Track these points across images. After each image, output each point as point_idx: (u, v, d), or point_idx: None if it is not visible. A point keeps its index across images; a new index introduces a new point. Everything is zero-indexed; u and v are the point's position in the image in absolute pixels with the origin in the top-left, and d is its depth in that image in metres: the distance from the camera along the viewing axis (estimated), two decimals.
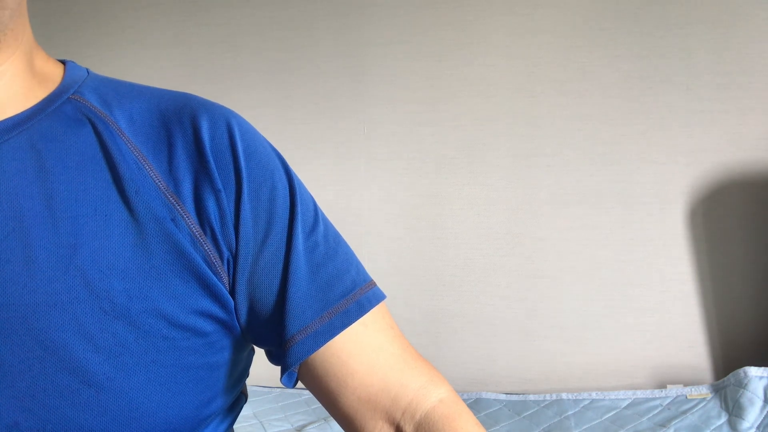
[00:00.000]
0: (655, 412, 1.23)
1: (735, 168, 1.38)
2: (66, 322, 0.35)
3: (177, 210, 0.39)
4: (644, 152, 1.43)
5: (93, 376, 0.35)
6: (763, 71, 1.36)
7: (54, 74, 0.43)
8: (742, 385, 1.18)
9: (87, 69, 0.46)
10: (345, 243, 0.46)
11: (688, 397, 1.25)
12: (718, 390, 1.24)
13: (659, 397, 1.27)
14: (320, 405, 0.46)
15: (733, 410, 1.16)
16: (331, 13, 1.59)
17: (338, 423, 0.44)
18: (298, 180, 0.45)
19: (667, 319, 1.42)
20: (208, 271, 0.39)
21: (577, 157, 1.46)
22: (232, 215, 0.40)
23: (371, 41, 1.57)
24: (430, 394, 0.43)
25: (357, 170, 1.59)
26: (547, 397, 1.34)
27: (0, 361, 0.34)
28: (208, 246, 0.40)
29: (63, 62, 0.45)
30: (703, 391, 1.26)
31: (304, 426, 1.26)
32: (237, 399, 0.47)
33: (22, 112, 0.39)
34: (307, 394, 1.44)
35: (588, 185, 1.46)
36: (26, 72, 0.41)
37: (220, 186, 0.40)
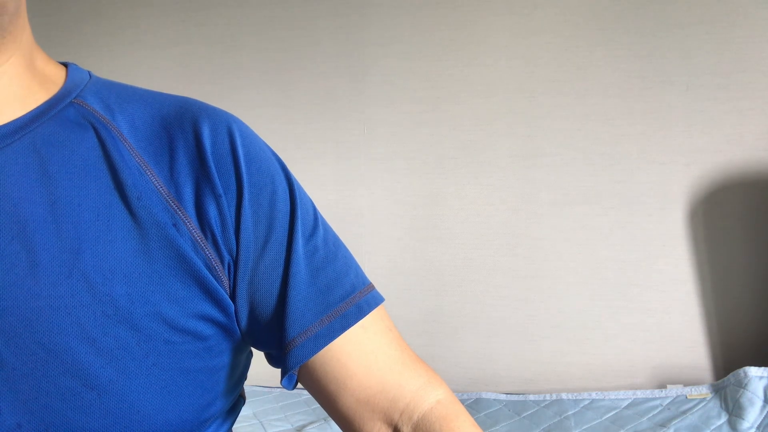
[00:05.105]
0: (655, 412, 1.23)
1: (735, 168, 1.38)
2: (69, 326, 0.36)
3: (178, 215, 0.39)
4: (644, 152, 1.43)
5: (95, 379, 0.36)
6: (763, 71, 1.36)
7: (55, 76, 0.43)
8: (742, 385, 1.18)
9: (89, 72, 0.46)
10: (344, 246, 0.47)
11: (688, 397, 1.25)
12: (718, 390, 1.24)
13: (659, 397, 1.28)
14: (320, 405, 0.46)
15: (733, 410, 1.16)
16: (331, 13, 1.59)
17: (337, 424, 0.45)
18: (298, 184, 0.45)
19: (667, 319, 1.42)
20: (209, 275, 0.40)
21: (577, 157, 1.46)
22: (233, 220, 0.41)
23: (371, 41, 1.57)
24: (428, 395, 0.43)
25: (357, 170, 1.59)
26: (547, 397, 1.34)
27: (3, 364, 0.35)
28: (209, 251, 0.40)
29: (65, 64, 0.46)
30: (703, 391, 1.26)
31: (304, 426, 1.27)
32: (236, 401, 0.48)
33: (24, 115, 0.39)
34: (307, 394, 1.44)
35: (588, 185, 1.46)
36: (25, 73, 0.41)
37: (221, 191, 0.40)
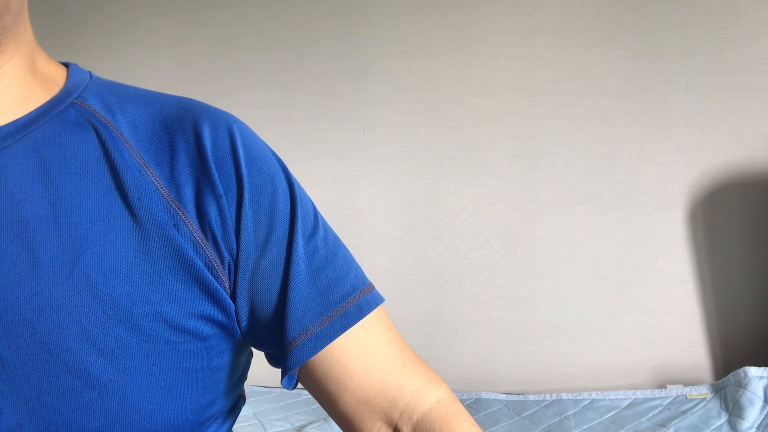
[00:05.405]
0: (655, 412, 1.23)
1: (735, 168, 1.39)
2: (70, 326, 0.36)
3: (179, 215, 0.40)
4: (644, 152, 1.43)
5: (96, 378, 0.36)
6: (763, 71, 1.36)
7: (56, 77, 0.43)
8: (742, 385, 1.18)
9: (90, 72, 0.46)
10: (344, 247, 0.47)
11: (688, 397, 1.25)
12: (718, 390, 1.24)
13: (659, 397, 1.28)
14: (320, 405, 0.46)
15: (733, 410, 1.17)
16: (331, 13, 1.60)
17: (337, 424, 0.45)
18: (299, 185, 0.45)
19: (667, 319, 1.42)
20: (210, 275, 0.40)
21: (577, 157, 1.46)
22: (233, 220, 0.41)
23: (371, 41, 1.57)
24: (428, 395, 0.43)
25: (357, 170, 1.59)
26: (547, 397, 1.34)
27: (5, 364, 0.35)
28: (210, 251, 0.40)
29: (66, 65, 0.46)
30: (703, 391, 1.26)
31: (304, 426, 1.27)
32: (236, 401, 0.48)
33: (24, 116, 0.40)
34: (307, 394, 1.44)
35: (588, 185, 1.46)
36: (27, 74, 0.41)
37: (221, 191, 0.40)
